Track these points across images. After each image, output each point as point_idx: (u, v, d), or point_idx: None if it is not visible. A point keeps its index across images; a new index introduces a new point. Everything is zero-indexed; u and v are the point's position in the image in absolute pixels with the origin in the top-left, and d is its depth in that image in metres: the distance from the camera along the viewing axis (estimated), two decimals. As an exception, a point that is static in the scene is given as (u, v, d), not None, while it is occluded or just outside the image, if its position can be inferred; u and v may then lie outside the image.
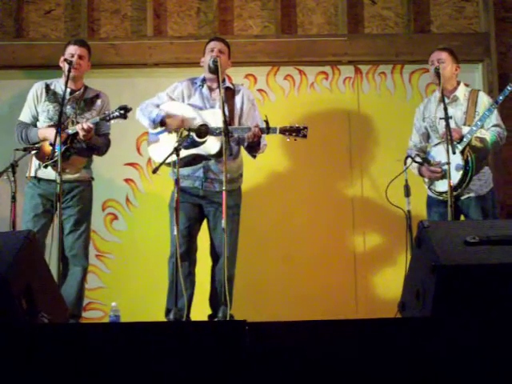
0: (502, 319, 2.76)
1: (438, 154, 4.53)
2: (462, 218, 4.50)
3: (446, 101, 4.49)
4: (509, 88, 4.42)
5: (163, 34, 5.73)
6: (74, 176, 4.52)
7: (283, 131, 4.35)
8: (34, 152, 4.45)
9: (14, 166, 4.25)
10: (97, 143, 4.57)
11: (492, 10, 5.66)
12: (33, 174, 4.51)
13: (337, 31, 5.72)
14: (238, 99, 4.59)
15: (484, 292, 2.83)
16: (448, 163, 4.20)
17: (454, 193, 4.34)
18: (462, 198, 4.47)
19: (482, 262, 2.87)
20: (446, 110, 4.31)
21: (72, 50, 4.55)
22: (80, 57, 4.55)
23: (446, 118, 4.28)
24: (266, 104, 5.59)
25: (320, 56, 5.63)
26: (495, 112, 4.52)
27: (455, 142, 4.31)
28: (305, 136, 4.36)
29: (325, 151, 5.57)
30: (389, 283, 5.28)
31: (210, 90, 4.59)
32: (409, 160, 4.49)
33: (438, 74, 4.46)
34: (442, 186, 4.50)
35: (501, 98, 4.45)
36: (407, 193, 4.34)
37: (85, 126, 4.35)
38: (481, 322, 2.75)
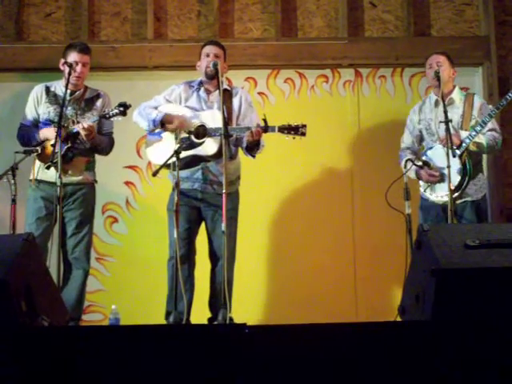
0: (502, 323, 2.76)
1: (436, 156, 4.53)
2: (455, 222, 4.50)
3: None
4: (510, 95, 4.39)
5: (163, 36, 5.73)
6: (77, 178, 4.52)
7: (282, 129, 4.33)
8: (35, 153, 4.44)
9: (13, 169, 4.25)
10: (101, 143, 4.58)
11: (492, 14, 5.66)
12: (35, 177, 4.49)
13: (337, 34, 5.72)
14: (235, 101, 4.59)
15: (484, 296, 2.83)
16: (448, 166, 4.21)
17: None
18: (458, 202, 4.47)
19: (483, 265, 2.86)
20: (446, 113, 4.32)
21: (76, 57, 4.52)
22: (84, 64, 4.55)
23: (446, 121, 4.28)
24: (266, 107, 5.59)
25: (320, 59, 5.64)
26: None
27: (454, 148, 4.32)
28: (303, 134, 4.33)
29: (324, 154, 5.57)
30: (389, 286, 5.28)
31: (208, 92, 4.59)
32: (409, 163, 4.49)
33: (438, 77, 4.47)
34: (440, 189, 4.51)
35: (501, 104, 4.45)
36: (407, 196, 4.34)
37: (85, 126, 4.35)
38: (481, 326, 2.75)
